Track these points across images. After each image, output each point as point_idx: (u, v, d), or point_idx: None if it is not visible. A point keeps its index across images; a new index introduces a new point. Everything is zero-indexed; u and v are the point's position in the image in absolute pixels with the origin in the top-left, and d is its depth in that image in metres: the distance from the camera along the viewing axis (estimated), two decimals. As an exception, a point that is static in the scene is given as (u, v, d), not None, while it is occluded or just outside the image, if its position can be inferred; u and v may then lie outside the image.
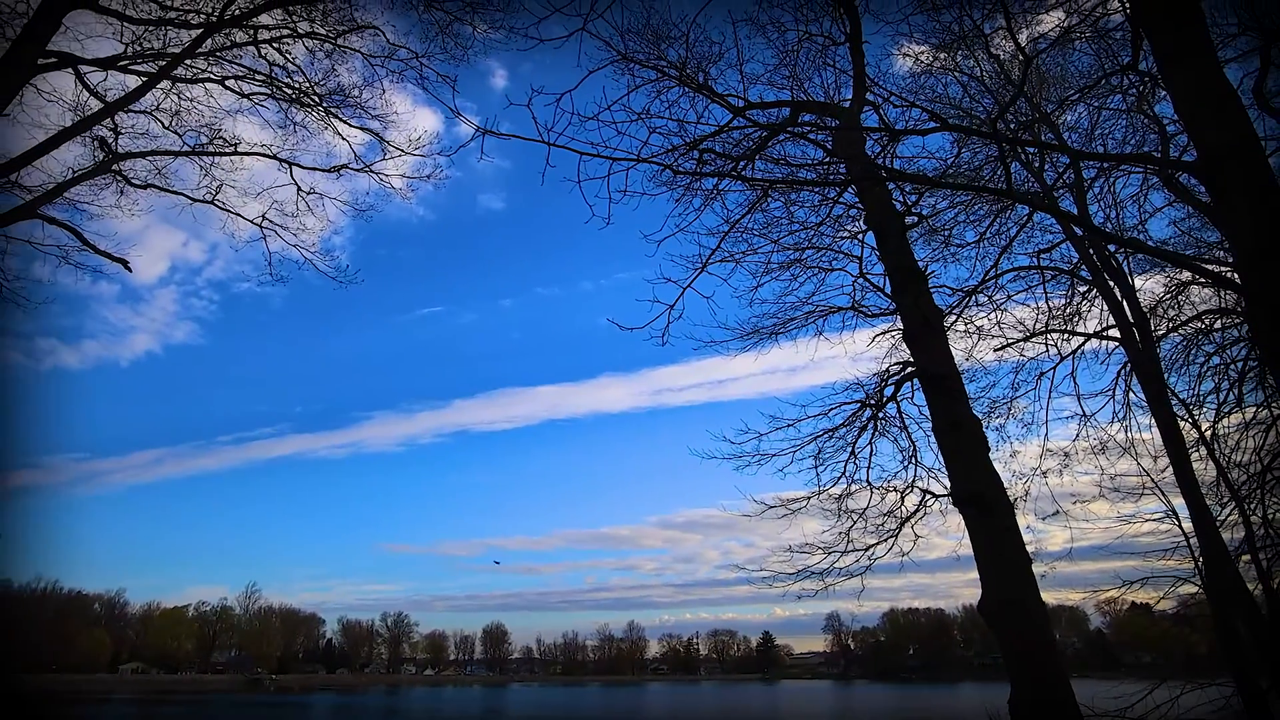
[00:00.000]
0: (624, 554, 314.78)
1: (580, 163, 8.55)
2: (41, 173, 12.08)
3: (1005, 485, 8.86)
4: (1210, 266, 9.85)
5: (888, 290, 10.69)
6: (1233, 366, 11.32)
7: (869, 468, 11.29)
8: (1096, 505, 12.68)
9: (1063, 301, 13.90)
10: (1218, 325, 11.67)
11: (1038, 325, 13.66)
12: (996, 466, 8.78)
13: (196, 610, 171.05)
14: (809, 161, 11.44)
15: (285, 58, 13.25)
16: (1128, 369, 13.16)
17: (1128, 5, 9.08)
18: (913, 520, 10.76)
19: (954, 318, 12.84)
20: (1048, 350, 13.86)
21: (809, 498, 11.10)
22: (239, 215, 13.89)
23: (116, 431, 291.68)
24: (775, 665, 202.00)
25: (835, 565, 10.71)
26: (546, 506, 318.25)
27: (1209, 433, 11.49)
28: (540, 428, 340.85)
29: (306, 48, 13.26)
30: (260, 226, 14.12)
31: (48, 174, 12.25)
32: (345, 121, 13.69)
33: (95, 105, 12.51)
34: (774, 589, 10.66)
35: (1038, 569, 8.31)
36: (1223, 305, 11.38)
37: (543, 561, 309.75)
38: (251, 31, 12.83)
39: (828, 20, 11.01)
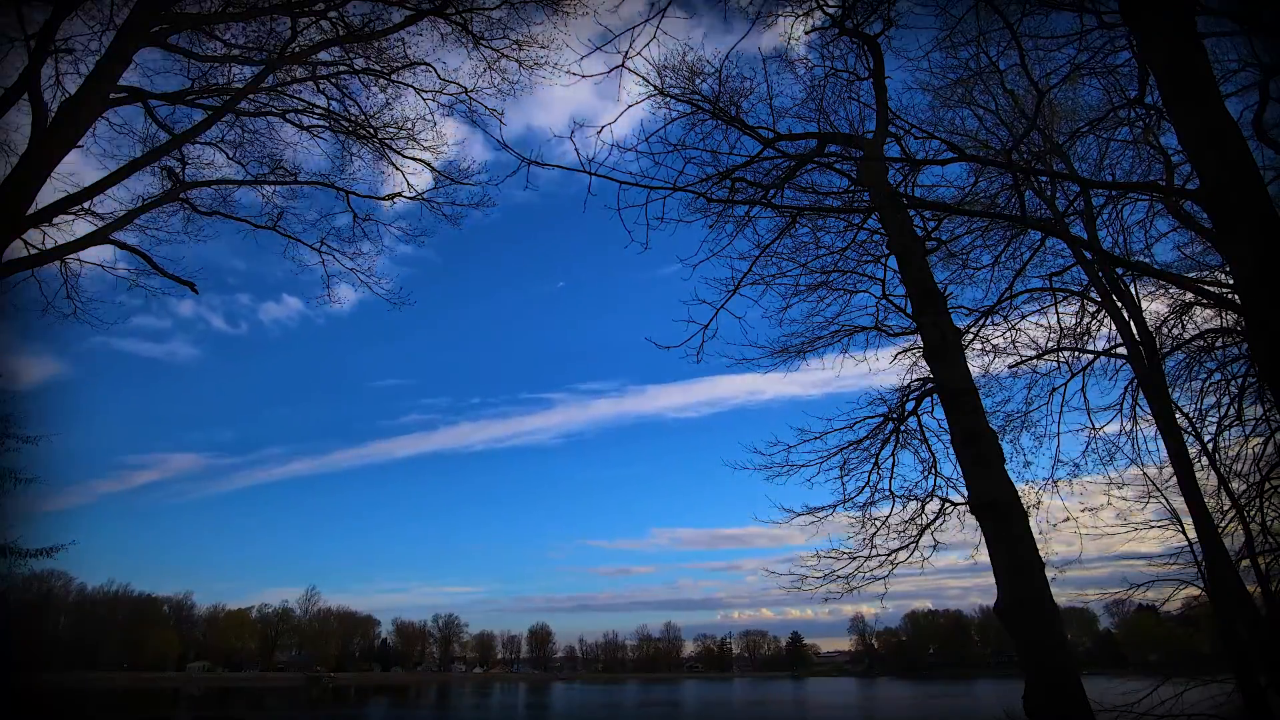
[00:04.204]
0: (664, 559, 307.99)
1: (620, 191, 9.22)
2: (113, 201, 12.57)
3: (1019, 494, 8.99)
4: (1212, 289, 10.28)
5: (909, 310, 11.06)
6: (1233, 383, 11.78)
7: (891, 478, 11.80)
8: (1105, 513, 13.14)
9: (1073, 321, 14.27)
10: (1219, 344, 12.04)
11: (1050, 343, 14.05)
12: (1011, 476, 8.93)
13: (259, 612, 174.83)
14: (835, 190, 11.98)
15: (342, 92, 13.83)
16: (1134, 384, 13.51)
17: (1135, 43, 9.60)
18: (933, 527, 11.25)
19: (971, 336, 13.08)
20: (1059, 367, 14.21)
21: (835, 506, 11.65)
22: (299, 240, 14.37)
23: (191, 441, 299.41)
24: (804, 663, 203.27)
25: (860, 570, 11.27)
26: (587, 515, 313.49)
27: (1211, 444, 12.00)
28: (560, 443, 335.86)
29: (362, 83, 13.88)
30: (319, 251, 14.59)
31: (119, 202, 12.76)
32: (399, 152, 14.19)
33: (163, 137, 13.03)
34: (803, 591, 11.23)
35: (1049, 572, 8.44)
36: (1224, 325, 11.74)
37: (587, 565, 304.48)
38: (311, 68, 13.44)
39: (852, 57, 11.57)
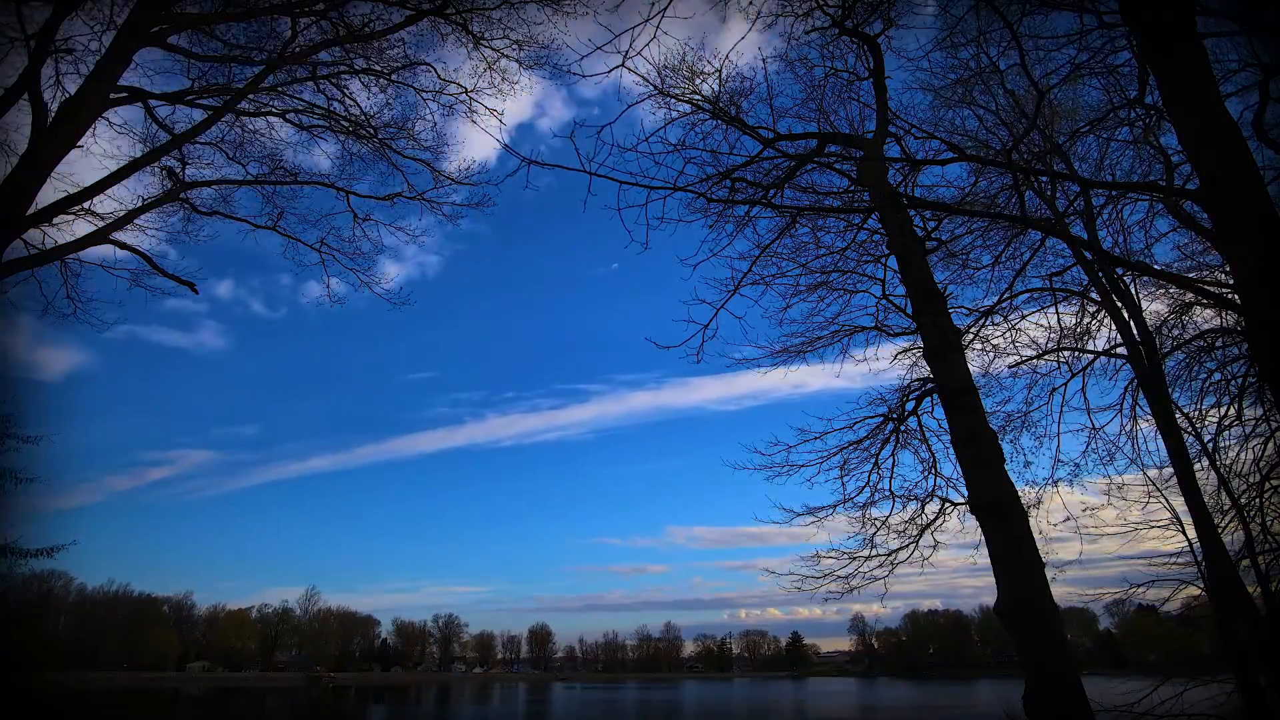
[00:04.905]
0: (682, 557, 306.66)
1: (620, 191, 9.18)
2: (113, 200, 12.48)
3: (1019, 494, 9.02)
4: (1212, 288, 10.25)
5: (909, 310, 11.05)
6: (1233, 382, 11.80)
7: (891, 478, 11.80)
8: (1105, 512, 13.14)
9: (1073, 321, 14.30)
10: (1219, 344, 12.08)
11: (1050, 343, 14.07)
12: (1011, 476, 8.95)
13: (259, 612, 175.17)
14: (835, 190, 11.97)
15: (343, 92, 13.78)
16: (1134, 384, 13.52)
17: (1135, 43, 9.62)
18: (932, 527, 11.27)
19: (971, 336, 13.14)
20: (1059, 367, 14.24)
21: (835, 506, 11.65)
22: (299, 240, 14.33)
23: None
24: (803, 663, 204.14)
25: (859, 570, 11.28)
26: (608, 512, 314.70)
27: (1211, 445, 12.04)
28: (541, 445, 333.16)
29: (362, 83, 13.83)
30: (319, 251, 14.54)
31: (119, 202, 12.66)
32: (399, 152, 14.12)
33: (163, 137, 12.98)
34: (803, 590, 11.24)
35: (1049, 572, 8.45)
36: (1223, 325, 11.77)
37: (586, 563, 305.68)
38: (311, 68, 13.40)
39: (852, 57, 11.57)
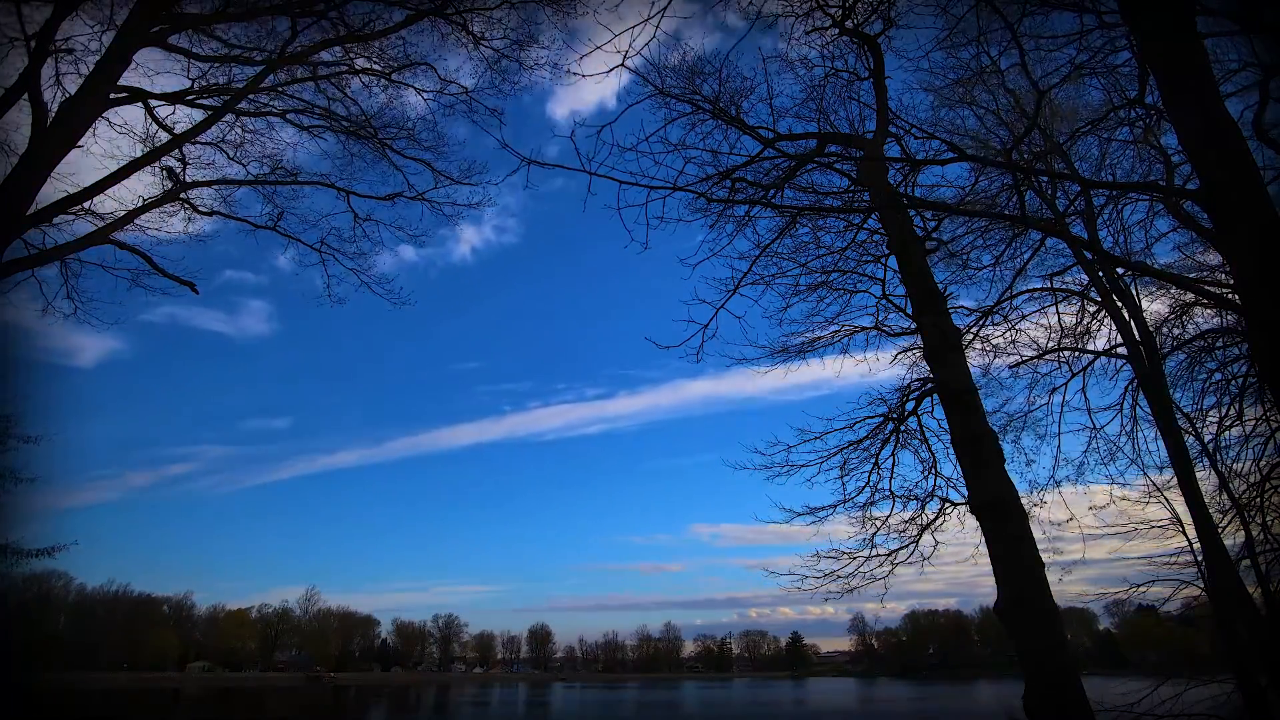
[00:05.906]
0: (684, 557, 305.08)
1: (620, 191, 9.14)
2: (113, 200, 12.39)
3: (1019, 494, 9.04)
4: (1212, 289, 10.27)
5: (909, 311, 11.10)
6: (1233, 383, 11.77)
7: (891, 478, 11.78)
8: (1106, 512, 13.12)
9: (1074, 321, 14.27)
10: (1219, 344, 12.08)
11: (1050, 343, 14.07)
12: (1012, 476, 8.98)
13: (259, 612, 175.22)
14: (835, 190, 11.96)
15: (343, 92, 13.78)
16: (1135, 385, 13.49)
17: (1135, 43, 9.62)
18: (932, 527, 11.26)
19: (971, 336, 13.18)
20: (1060, 367, 14.23)
21: (835, 506, 11.62)
22: (299, 240, 14.36)
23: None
24: (803, 663, 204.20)
25: (860, 570, 11.26)
26: (635, 509, 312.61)
27: (1211, 445, 12.01)
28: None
29: (363, 83, 13.84)
30: (319, 251, 14.52)
31: (119, 202, 12.56)
32: (399, 152, 14.09)
33: (164, 137, 12.99)
34: (803, 590, 11.21)
35: (1049, 573, 8.45)
36: (1224, 325, 11.78)
37: (606, 561, 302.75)
38: (311, 68, 13.40)
39: (852, 57, 11.58)
